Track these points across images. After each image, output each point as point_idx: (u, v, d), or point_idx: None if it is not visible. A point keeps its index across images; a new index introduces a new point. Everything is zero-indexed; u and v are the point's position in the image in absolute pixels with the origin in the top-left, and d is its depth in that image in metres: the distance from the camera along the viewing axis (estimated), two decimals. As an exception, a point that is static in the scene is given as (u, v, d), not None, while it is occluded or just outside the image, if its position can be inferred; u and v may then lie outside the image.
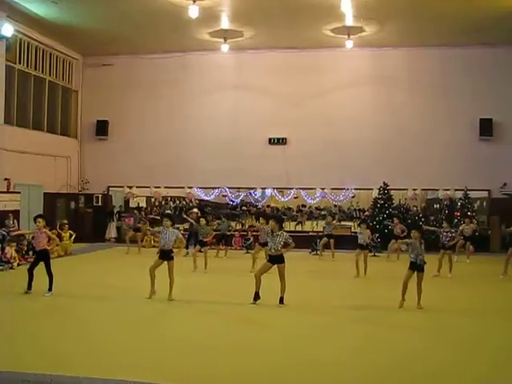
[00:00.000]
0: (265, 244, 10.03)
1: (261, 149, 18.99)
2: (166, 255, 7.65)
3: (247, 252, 16.10)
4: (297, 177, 18.81)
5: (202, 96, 19.62)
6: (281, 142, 19.04)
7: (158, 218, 15.64)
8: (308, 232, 18.84)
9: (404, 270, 7.93)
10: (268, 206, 20.14)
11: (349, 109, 18.88)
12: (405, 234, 13.38)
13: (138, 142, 19.82)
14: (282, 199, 19.16)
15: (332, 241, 14.37)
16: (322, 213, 19.81)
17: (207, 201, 20.09)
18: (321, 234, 16.45)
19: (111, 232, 19.21)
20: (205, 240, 11.81)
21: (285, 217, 16.92)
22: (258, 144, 19.03)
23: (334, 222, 15.33)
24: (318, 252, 15.43)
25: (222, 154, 19.08)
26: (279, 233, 7.23)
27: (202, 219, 12.49)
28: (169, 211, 17.95)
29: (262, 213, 16.85)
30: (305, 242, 15.77)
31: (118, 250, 16.47)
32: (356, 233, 12.76)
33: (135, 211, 16.39)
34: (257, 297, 7.32)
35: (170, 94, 19.85)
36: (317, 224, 19.38)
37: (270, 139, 19.13)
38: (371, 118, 18.77)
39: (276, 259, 7.17)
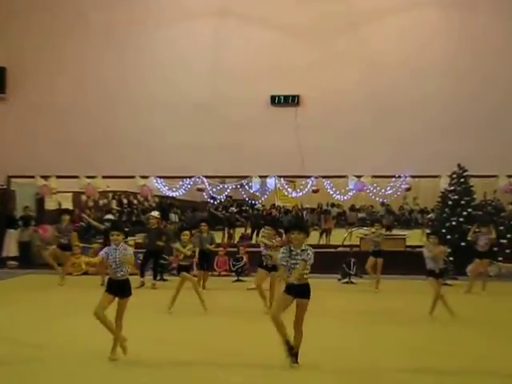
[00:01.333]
0: (272, 268, 10.31)
1: (259, 114, 18.69)
2: (119, 288, 7.48)
3: (238, 280, 15.53)
4: (316, 158, 18.29)
5: (165, 28, 19.41)
6: (291, 101, 18.85)
7: (99, 225, 15.09)
8: (336, 247, 17.95)
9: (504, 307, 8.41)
10: (273, 207, 20.15)
11: (400, 48, 18.61)
12: (494, 248, 13.39)
13: (59, 106, 19.36)
14: (294, 194, 18.78)
15: (380, 261, 13.73)
16: (360, 215, 19.69)
17: (173, 198, 20.28)
18: (355, 249, 16.30)
19: (9, 249, 18.47)
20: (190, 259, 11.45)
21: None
22: (255, 106, 18.74)
23: (383, 231, 14.62)
24: (353, 279, 15.09)
25: (196, 123, 18.71)
26: (304, 248, 6.95)
27: (203, 227, 13.18)
28: (110, 216, 16.44)
29: (267, 217, 17.15)
30: (330, 262, 15.29)
31: (26, 280, 15.64)
32: (416, 248, 13.30)
33: (63, 216, 14.95)
34: (290, 349, 7.20)
35: (109, 24, 19.41)
36: (350, 234, 18.75)
37: (273, 98, 18.94)
38: (439, 61, 18.40)
39: (299, 291, 7.01)
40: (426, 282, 10.75)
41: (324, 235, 20.00)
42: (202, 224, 13.61)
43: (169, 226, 17.52)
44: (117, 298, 7.44)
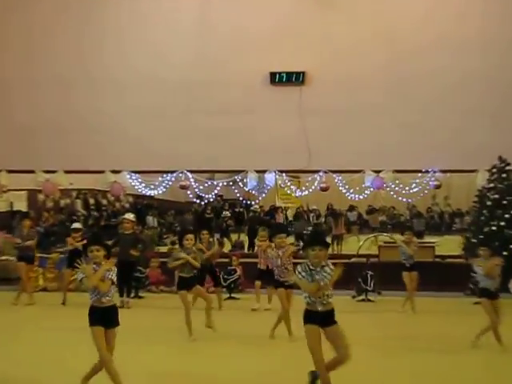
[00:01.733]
0: (281, 284, 10.35)
1: (256, 95, 18.50)
2: (107, 317, 7.44)
3: (230, 297, 15.46)
4: (326, 150, 18.04)
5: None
6: (294, 80, 18.67)
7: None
8: (350, 257, 17.53)
9: None
10: (273, 208, 19.83)
11: (432, 21, 18.46)
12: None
13: (7, 79, 19.21)
14: (298, 193, 18.70)
15: (415, 276, 13.51)
16: (380, 218, 19.86)
17: (151, 198, 20.82)
18: (373, 260, 16.51)
19: None
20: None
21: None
22: (251, 85, 18.58)
23: (415, 239, 14.43)
24: (370, 295, 15.09)
25: (179, 107, 18.54)
26: (324, 263, 6.93)
27: (204, 235, 13.07)
28: (78, 225, 15.98)
29: (272, 224, 17.44)
30: (343, 275, 15.10)
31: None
32: (447, 259, 14.29)
33: (23, 222, 15.14)
34: None
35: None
36: (374, 239, 18.47)
37: (273, 75, 18.71)
38: (477, 36, 18.10)
39: (326, 317, 7.01)
40: (458, 300, 11.31)
41: (335, 242, 19.88)
42: (204, 232, 13.59)
43: (146, 231, 17.56)
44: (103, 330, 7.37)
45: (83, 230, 14.71)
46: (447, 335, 10.92)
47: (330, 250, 18.20)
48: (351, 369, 7.53)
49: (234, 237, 20.27)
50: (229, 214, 20.53)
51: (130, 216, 14.84)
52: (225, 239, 20.44)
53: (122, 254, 13.90)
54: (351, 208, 20.61)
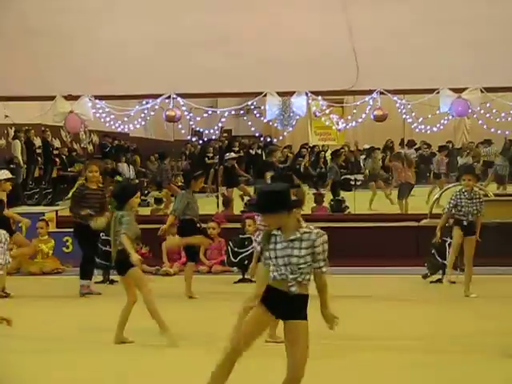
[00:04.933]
0: None
1: None
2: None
3: (243, 279, 14.18)
4: (382, 61, 15.59)
5: None
6: None
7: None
8: (419, 218, 15.97)
9: None
10: (306, 147, 20.48)
11: None
12: None
13: None
14: (341, 126, 17.45)
15: (472, 242, 12.36)
16: (463, 160, 20.09)
17: (125, 136, 20.61)
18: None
19: None
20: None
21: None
22: None
23: (478, 188, 13.63)
24: (450, 275, 13.49)
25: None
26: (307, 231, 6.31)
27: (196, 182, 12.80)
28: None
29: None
30: (407, 245, 15.04)
31: None
32: None
33: None
34: None
35: None
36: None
37: None
38: None
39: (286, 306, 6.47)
40: None
41: (405, 195, 18.43)
42: (192, 176, 12.77)
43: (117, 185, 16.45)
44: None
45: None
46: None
47: (388, 208, 19.33)
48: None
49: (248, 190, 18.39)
50: (234, 155, 18.58)
51: (95, 164, 13.58)
52: (228, 193, 18.73)
53: (83, 218, 12.75)
54: (411, 144, 19.58)
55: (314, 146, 21.73)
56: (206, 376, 6.69)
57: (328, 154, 22.26)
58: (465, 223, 12.35)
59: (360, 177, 23.31)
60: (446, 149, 21.23)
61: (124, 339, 8.89)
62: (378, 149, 21.00)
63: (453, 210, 12.26)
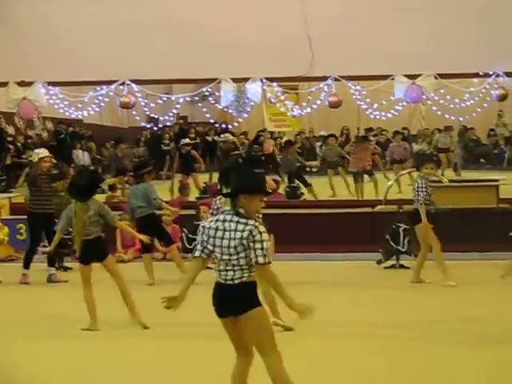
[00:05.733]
0: None
1: None
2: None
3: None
4: (337, 46, 16.00)
5: None
6: None
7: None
8: (373, 204, 16.59)
9: None
10: (262, 134, 21.03)
11: None
12: None
13: None
14: (296, 112, 17.52)
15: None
16: (418, 147, 20.30)
17: (79, 122, 20.94)
18: (407, 206, 14.75)
19: None
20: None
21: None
22: None
23: (440, 173, 15.58)
24: (403, 259, 14.12)
25: None
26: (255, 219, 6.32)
27: (144, 175, 13.02)
28: None
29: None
30: (364, 230, 15.39)
31: None
32: None
33: None
34: None
35: None
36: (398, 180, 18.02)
37: None
38: None
39: (231, 298, 6.38)
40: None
41: (357, 182, 18.59)
42: (146, 170, 12.86)
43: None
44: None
45: None
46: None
47: (348, 194, 19.59)
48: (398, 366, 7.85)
49: (203, 178, 18.42)
50: (188, 141, 18.46)
51: (40, 151, 13.89)
52: (184, 179, 18.66)
53: (37, 205, 13.08)
54: (369, 129, 19.76)
55: (272, 133, 21.75)
56: (173, 360, 7.58)
57: (283, 141, 22.30)
58: (432, 211, 12.52)
59: (315, 163, 22.83)
60: (401, 134, 21.28)
61: (143, 324, 8.89)
62: (334, 135, 21.11)
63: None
